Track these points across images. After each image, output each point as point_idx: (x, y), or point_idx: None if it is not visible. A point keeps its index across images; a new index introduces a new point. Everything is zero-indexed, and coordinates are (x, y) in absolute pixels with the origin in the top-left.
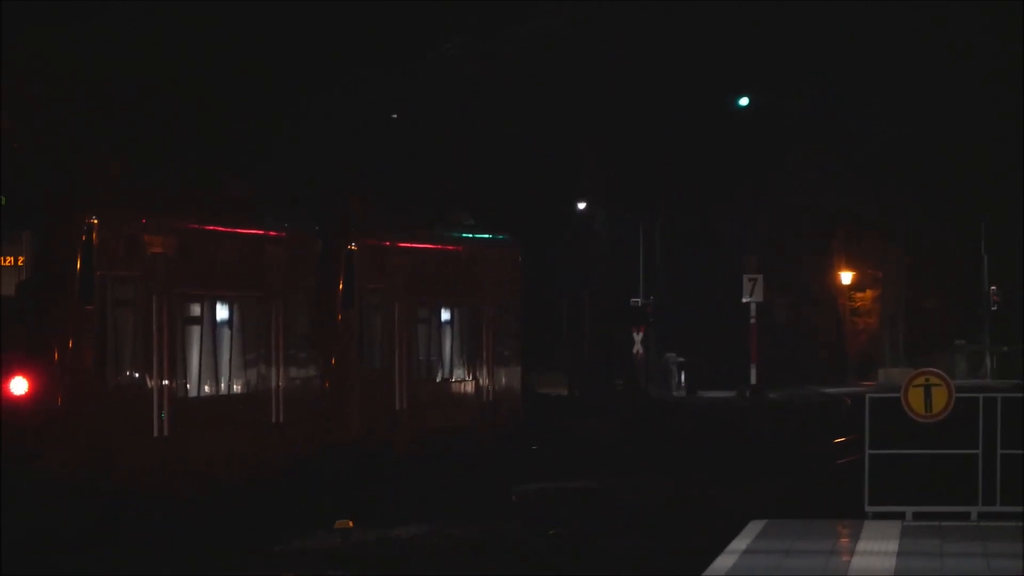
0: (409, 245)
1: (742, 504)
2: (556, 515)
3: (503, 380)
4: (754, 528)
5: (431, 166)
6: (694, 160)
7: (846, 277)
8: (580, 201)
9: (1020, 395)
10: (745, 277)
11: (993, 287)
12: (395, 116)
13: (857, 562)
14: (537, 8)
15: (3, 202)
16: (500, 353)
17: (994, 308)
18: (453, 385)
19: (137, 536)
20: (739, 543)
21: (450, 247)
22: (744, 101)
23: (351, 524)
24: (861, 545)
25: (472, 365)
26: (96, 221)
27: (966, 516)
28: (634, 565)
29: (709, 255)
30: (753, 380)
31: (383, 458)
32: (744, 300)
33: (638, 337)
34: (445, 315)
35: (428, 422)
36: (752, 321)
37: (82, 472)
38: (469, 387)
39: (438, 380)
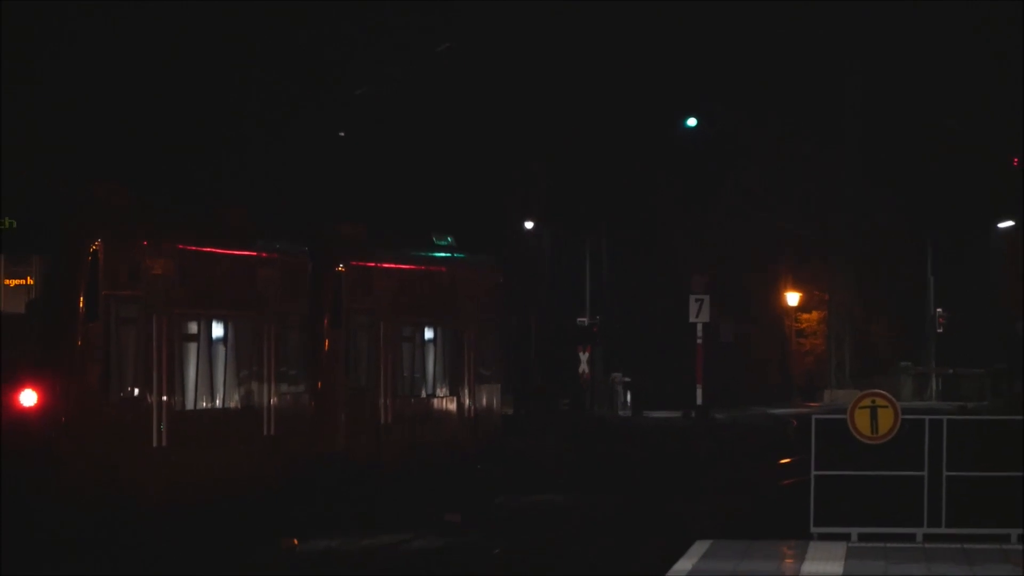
0: (394, 266)
1: (687, 524)
2: (502, 531)
3: (484, 396)
4: (699, 548)
5: (378, 185)
6: (641, 180)
7: (792, 298)
8: (527, 220)
9: (966, 417)
10: (692, 297)
11: (939, 309)
12: (342, 134)
13: None
14: (485, 28)
15: (14, 226)
16: (481, 371)
17: (940, 330)
18: (436, 401)
19: (125, 542)
20: (684, 563)
21: (434, 268)
22: (692, 122)
23: (296, 541)
24: (806, 566)
25: (454, 382)
26: (101, 244)
27: (911, 538)
28: None
29: (656, 275)
30: (699, 400)
31: (368, 470)
32: (691, 320)
33: (584, 357)
34: (429, 334)
35: (412, 436)
36: (699, 341)
37: (86, 479)
38: (451, 403)
39: (422, 396)
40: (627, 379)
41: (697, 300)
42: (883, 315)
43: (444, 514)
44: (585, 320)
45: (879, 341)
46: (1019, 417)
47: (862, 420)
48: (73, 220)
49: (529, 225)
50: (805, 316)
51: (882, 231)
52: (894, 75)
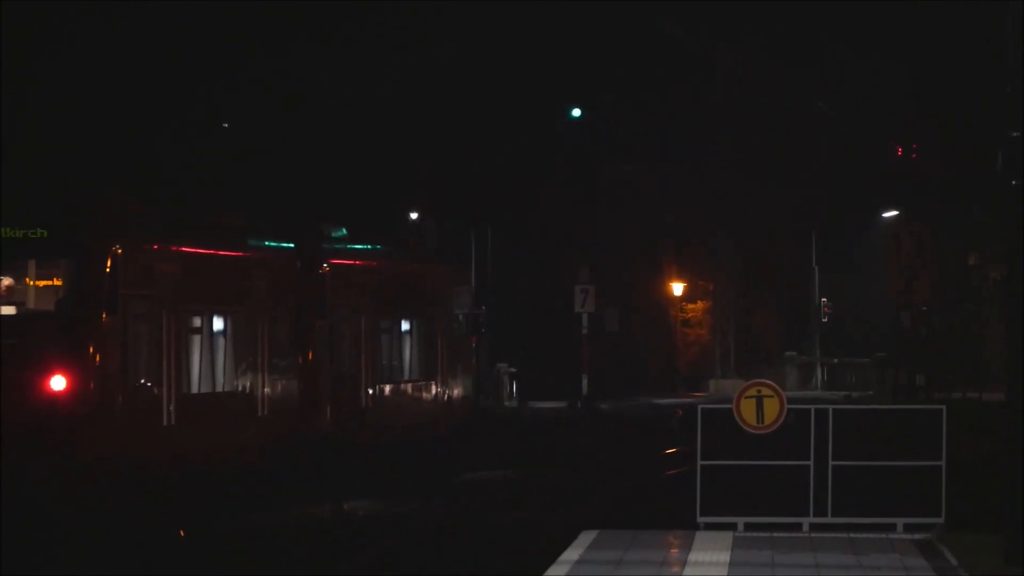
0: (374, 264)
1: (574, 514)
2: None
3: (456, 382)
4: (586, 538)
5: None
6: (526, 170)
7: (677, 288)
8: (412, 212)
9: (851, 407)
10: (577, 287)
11: (824, 299)
12: (225, 125)
13: (689, 573)
14: (375, 25)
15: (46, 235)
16: (453, 358)
17: (825, 320)
18: (412, 386)
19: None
20: (571, 553)
21: (409, 266)
22: (576, 112)
23: (182, 532)
24: (693, 556)
25: (429, 369)
26: (119, 250)
27: (798, 527)
28: None
29: (541, 265)
30: (584, 390)
31: (349, 448)
32: (576, 310)
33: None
34: (405, 326)
35: (390, 418)
36: (584, 332)
37: (106, 453)
38: (426, 388)
39: (399, 382)
40: (513, 370)
41: (582, 290)
42: (768, 305)
43: (344, 503)
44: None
45: (764, 331)
46: (903, 407)
47: (748, 410)
48: (95, 229)
49: (414, 216)
50: (690, 306)
51: (766, 220)
52: (773, 59)
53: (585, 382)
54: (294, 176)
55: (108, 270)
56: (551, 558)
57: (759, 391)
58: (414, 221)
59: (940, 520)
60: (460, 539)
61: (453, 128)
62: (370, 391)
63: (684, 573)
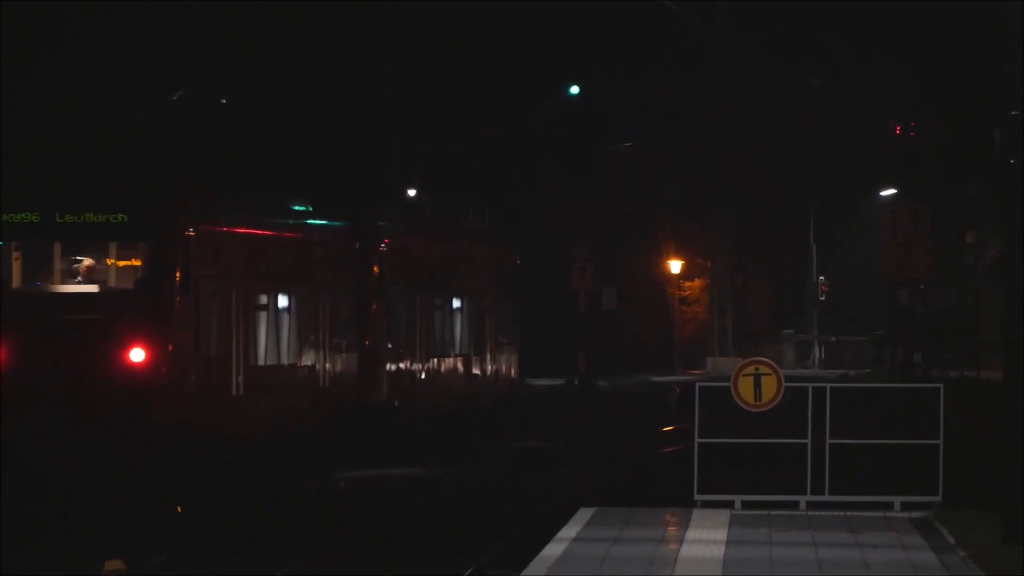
0: (428, 244)
1: (571, 491)
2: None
3: (503, 356)
4: (583, 516)
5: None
6: (522, 147)
7: (675, 266)
8: (409, 188)
9: (848, 385)
10: (575, 265)
11: (821, 277)
12: (224, 101)
13: (686, 550)
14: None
15: (126, 220)
16: (500, 334)
17: (822, 298)
18: (462, 359)
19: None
20: (568, 531)
21: (460, 246)
22: (575, 89)
23: (178, 508)
24: (690, 533)
25: (478, 344)
26: (193, 233)
27: (795, 505)
28: (461, 554)
29: (538, 243)
30: (582, 368)
31: (404, 416)
32: (574, 288)
33: None
34: (456, 303)
35: (441, 389)
36: (581, 309)
37: (181, 420)
38: (475, 361)
39: (450, 355)
40: None
41: (580, 268)
42: (765, 283)
43: (340, 482)
44: None
45: (762, 309)
46: (900, 385)
47: (746, 387)
48: (170, 214)
49: (411, 193)
50: (688, 284)
51: (764, 198)
52: (770, 37)
53: (583, 359)
54: (296, 156)
55: (182, 252)
56: (549, 535)
57: (757, 369)
58: (411, 197)
59: (937, 498)
60: (467, 508)
61: (451, 106)
62: (422, 365)
63: (681, 551)
